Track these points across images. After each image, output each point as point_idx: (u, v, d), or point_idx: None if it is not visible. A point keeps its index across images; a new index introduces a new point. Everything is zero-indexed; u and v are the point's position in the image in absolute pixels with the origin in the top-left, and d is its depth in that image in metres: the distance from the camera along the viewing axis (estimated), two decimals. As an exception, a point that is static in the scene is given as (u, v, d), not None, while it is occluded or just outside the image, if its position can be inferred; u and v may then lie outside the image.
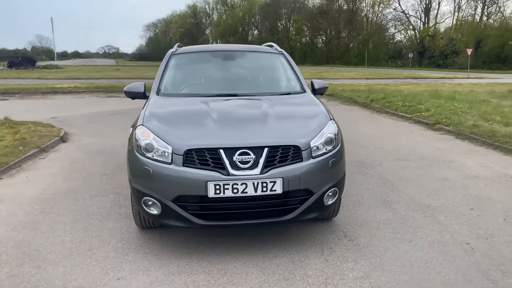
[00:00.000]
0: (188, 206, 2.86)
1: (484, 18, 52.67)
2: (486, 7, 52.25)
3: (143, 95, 4.01)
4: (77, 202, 4.17)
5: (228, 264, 2.92)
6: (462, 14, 55.33)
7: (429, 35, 53.35)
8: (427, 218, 3.79)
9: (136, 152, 3.00)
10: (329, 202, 3.05)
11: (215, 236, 3.35)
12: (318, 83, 4.27)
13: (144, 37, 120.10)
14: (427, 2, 57.24)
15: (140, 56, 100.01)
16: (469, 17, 54.12)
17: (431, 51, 51.90)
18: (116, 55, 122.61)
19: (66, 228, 3.55)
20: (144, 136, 3.01)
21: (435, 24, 57.39)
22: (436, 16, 58.40)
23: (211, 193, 2.77)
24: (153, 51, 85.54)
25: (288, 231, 3.45)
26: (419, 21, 59.58)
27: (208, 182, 2.75)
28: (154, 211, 2.95)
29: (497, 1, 50.82)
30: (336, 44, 64.88)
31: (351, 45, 65.25)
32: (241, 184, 2.74)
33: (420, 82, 22.45)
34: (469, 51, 34.10)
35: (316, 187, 2.92)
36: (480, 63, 45.06)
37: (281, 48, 4.75)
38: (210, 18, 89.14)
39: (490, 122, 8.05)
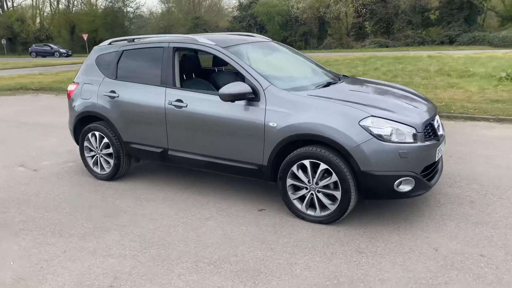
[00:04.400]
0: (427, 174, 3.53)
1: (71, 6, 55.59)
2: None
3: (249, 95, 3.69)
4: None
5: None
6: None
7: (17, 20, 51.26)
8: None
9: (379, 140, 3.28)
10: None
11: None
12: None
13: None
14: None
15: None
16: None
17: (24, 37, 50.54)
18: None
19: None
20: (379, 125, 3.34)
21: (17, 7, 55.45)
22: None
23: (437, 158, 3.60)
24: None
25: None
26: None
27: (437, 149, 3.59)
28: (406, 188, 3.38)
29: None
30: None
31: None
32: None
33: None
34: (85, 36, 36.70)
35: None
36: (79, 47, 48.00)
37: None
38: None
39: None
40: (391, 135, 3.31)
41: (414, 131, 3.38)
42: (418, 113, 3.66)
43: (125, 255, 3.23)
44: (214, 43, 4.14)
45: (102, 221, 3.82)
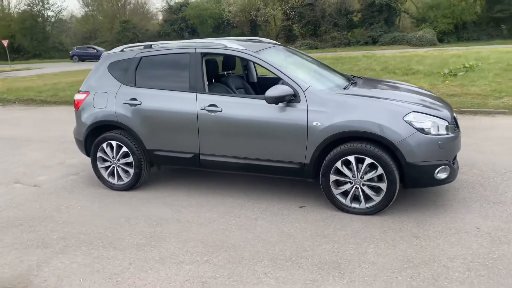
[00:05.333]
0: (453, 162, 3.85)
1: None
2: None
3: (290, 97, 3.87)
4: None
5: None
6: None
7: None
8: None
9: (421, 133, 3.59)
10: None
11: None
12: None
13: None
14: None
15: None
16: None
17: None
18: None
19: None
20: (420, 120, 3.67)
21: None
22: None
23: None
24: None
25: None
26: None
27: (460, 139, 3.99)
28: (443, 175, 3.72)
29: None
30: None
31: None
32: None
33: None
34: (5, 42, 34.25)
35: None
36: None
37: None
38: None
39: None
40: (431, 128, 3.65)
41: (446, 123, 3.77)
42: (444, 107, 4.06)
43: (198, 261, 3.24)
44: (245, 48, 4.24)
45: (150, 231, 3.76)
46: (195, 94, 4.25)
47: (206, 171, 5.18)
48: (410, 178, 3.70)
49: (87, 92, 4.75)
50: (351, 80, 4.73)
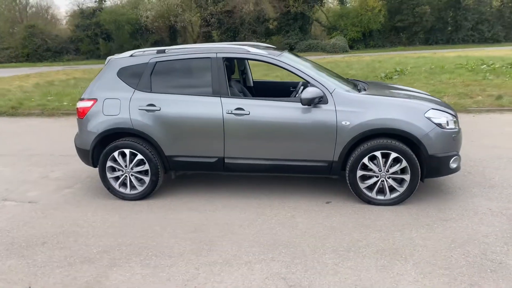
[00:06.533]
0: None
1: None
2: None
3: (320, 99, 4.10)
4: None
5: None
6: None
7: None
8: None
9: (440, 128, 4.03)
10: None
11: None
12: None
13: None
14: None
15: None
16: None
17: None
18: None
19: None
20: (437, 116, 4.09)
21: None
22: None
23: None
24: None
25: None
26: None
27: None
28: (455, 165, 4.17)
29: None
30: None
31: None
32: None
33: None
34: None
35: None
36: None
37: None
38: None
39: None
40: (446, 123, 4.11)
41: (455, 118, 4.26)
42: (447, 105, 4.56)
43: (264, 259, 3.30)
44: (267, 53, 4.38)
45: (194, 236, 3.73)
46: (219, 98, 4.28)
47: (211, 175, 5.20)
48: (431, 168, 4.12)
49: (94, 99, 4.51)
50: (355, 83, 5.06)
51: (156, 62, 4.45)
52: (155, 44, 38.08)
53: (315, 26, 45.26)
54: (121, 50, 40.82)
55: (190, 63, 4.45)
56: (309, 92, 4.03)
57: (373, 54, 28.66)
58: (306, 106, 4.13)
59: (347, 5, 43.84)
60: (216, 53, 4.37)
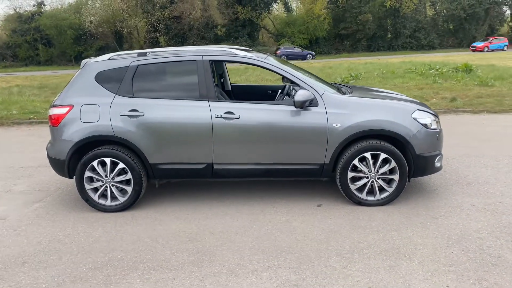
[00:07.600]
0: None
1: None
2: None
3: (311, 101, 4.09)
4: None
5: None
6: None
7: None
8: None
9: (426, 128, 4.17)
10: None
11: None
12: None
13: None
14: None
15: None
16: None
17: None
18: None
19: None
20: (422, 116, 4.22)
21: None
22: None
23: None
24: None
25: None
26: None
27: None
28: (439, 164, 4.32)
29: None
30: None
31: None
32: None
33: None
34: None
35: None
36: None
37: None
38: None
39: None
40: (431, 123, 4.23)
41: (437, 119, 4.40)
42: (428, 106, 4.70)
43: (270, 267, 3.20)
44: (254, 56, 4.30)
45: (190, 247, 3.55)
46: (207, 102, 4.14)
47: (193, 183, 5.03)
48: (418, 168, 4.21)
49: (69, 106, 4.20)
50: (338, 86, 5.09)
51: (138, 65, 4.23)
52: (100, 50, 36.80)
53: (263, 33, 45.83)
54: (64, 56, 38.86)
55: (174, 66, 4.28)
56: (301, 95, 4.00)
57: (321, 60, 29.46)
58: (298, 109, 4.10)
59: (293, 12, 44.83)
60: (202, 55, 4.23)
